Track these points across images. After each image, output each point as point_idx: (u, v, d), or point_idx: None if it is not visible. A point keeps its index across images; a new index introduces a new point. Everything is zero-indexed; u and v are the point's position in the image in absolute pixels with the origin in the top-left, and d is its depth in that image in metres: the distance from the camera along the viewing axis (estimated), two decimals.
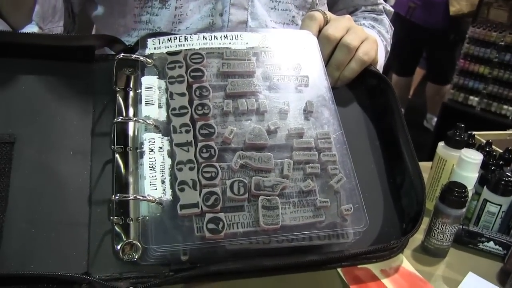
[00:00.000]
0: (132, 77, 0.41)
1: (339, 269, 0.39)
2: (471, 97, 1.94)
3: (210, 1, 0.50)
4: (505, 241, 0.47)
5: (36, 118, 0.38)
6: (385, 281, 0.39)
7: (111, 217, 0.35)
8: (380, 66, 0.57)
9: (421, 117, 2.51)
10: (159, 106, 0.38)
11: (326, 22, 0.47)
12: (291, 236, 0.35)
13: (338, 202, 0.37)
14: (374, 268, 0.40)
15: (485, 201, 0.50)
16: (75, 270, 0.33)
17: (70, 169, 0.37)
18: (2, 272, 0.32)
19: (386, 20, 0.65)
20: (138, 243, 0.34)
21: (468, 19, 1.91)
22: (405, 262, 0.43)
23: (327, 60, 0.45)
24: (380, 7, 0.65)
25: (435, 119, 2.29)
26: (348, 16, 0.48)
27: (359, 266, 0.40)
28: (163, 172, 0.35)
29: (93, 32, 0.58)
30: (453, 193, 0.45)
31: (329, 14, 0.47)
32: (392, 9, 0.68)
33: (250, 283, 0.37)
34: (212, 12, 0.50)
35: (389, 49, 0.64)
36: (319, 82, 0.42)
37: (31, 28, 0.46)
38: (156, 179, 0.35)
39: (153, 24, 0.51)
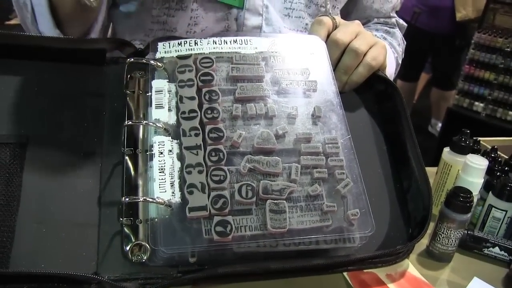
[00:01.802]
0: (142, 80, 0.42)
1: (345, 273, 0.40)
2: (476, 103, 1.93)
3: (225, 5, 0.51)
4: (510, 247, 0.47)
5: (48, 120, 0.39)
6: (391, 285, 0.39)
7: (121, 219, 0.36)
8: (389, 77, 0.57)
9: (426, 122, 2.50)
10: (169, 110, 0.39)
11: (335, 26, 0.47)
12: (298, 240, 0.35)
13: (345, 207, 0.37)
14: (380, 272, 0.41)
15: (490, 206, 0.50)
16: (85, 270, 0.34)
17: (80, 170, 0.38)
18: (13, 270, 0.32)
19: (398, 33, 0.65)
20: (147, 245, 0.35)
21: (474, 25, 1.90)
22: (411, 267, 0.43)
23: (335, 65, 0.46)
24: (393, 20, 0.65)
25: (440, 124, 2.28)
26: (357, 21, 0.48)
27: (365, 271, 0.40)
28: (172, 175, 0.36)
29: (109, 33, 0.59)
30: (459, 198, 0.45)
31: (338, 19, 0.48)
32: (405, 24, 0.68)
33: (257, 286, 0.37)
34: (227, 16, 0.51)
35: (400, 61, 0.64)
36: (327, 87, 0.43)
37: None
38: (165, 181, 0.35)
39: (170, 25, 0.51)
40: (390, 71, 0.58)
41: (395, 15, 0.66)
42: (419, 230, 0.39)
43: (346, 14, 0.63)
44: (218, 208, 0.34)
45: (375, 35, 0.62)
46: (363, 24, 0.65)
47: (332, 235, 0.36)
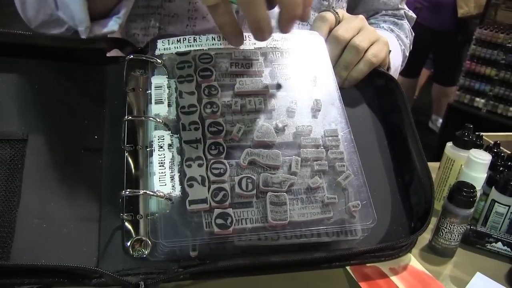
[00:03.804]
0: (142, 78, 0.42)
1: (347, 267, 0.39)
2: (477, 99, 1.92)
3: None
4: None
5: (48, 117, 0.39)
6: (394, 278, 0.39)
7: (121, 214, 0.36)
8: (395, 70, 0.56)
9: (426, 118, 2.50)
10: (169, 105, 0.39)
11: (338, 21, 0.46)
12: (299, 232, 0.35)
13: (346, 199, 0.37)
14: (383, 266, 0.40)
15: (493, 201, 0.50)
16: (86, 265, 0.33)
17: (81, 166, 0.38)
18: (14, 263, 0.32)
19: (406, 25, 0.64)
20: (148, 240, 0.35)
21: (476, 21, 1.90)
22: (413, 261, 0.43)
23: (336, 61, 0.46)
24: (402, 12, 0.65)
25: (441, 120, 2.28)
26: (361, 16, 0.48)
27: (367, 264, 0.40)
28: (172, 169, 0.36)
29: None
30: (462, 193, 0.44)
31: (341, 13, 0.47)
32: (414, 15, 0.67)
33: (258, 280, 0.37)
34: None
35: (407, 54, 0.64)
36: (326, 82, 0.43)
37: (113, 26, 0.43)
38: (165, 175, 0.35)
39: (168, 10, 0.49)
40: (396, 64, 0.57)
41: (404, 6, 0.66)
42: (421, 224, 0.39)
43: (354, 6, 0.62)
44: (219, 201, 0.34)
45: (382, 26, 0.61)
46: (372, 15, 0.64)
47: (333, 227, 0.36)
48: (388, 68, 0.52)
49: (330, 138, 0.39)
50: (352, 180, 0.37)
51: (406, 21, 0.65)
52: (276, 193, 0.35)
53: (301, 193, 0.36)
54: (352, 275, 0.39)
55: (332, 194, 0.36)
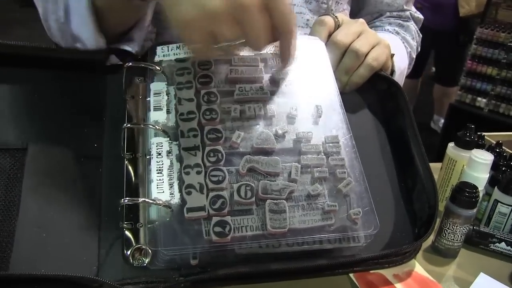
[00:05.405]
0: (142, 85, 0.42)
1: (351, 275, 0.39)
2: (479, 99, 1.92)
3: None
4: None
5: (48, 126, 0.39)
6: (398, 285, 0.39)
7: (121, 222, 0.36)
8: (401, 73, 0.56)
9: (428, 119, 2.48)
10: (168, 112, 0.39)
11: (337, 26, 0.46)
12: (301, 240, 0.35)
13: (348, 206, 0.36)
14: (386, 273, 0.40)
15: (496, 201, 0.50)
16: (85, 274, 0.33)
17: (80, 175, 0.38)
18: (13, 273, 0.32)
19: (412, 26, 0.64)
20: (148, 248, 0.35)
21: (477, 20, 1.89)
22: (418, 267, 0.42)
23: (336, 66, 0.45)
24: (407, 13, 0.64)
25: (442, 120, 2.27)
26: (361, 20, 0.47)
27: (371, 272, 0.39)
28: (171, 176, 0.35)
29: None
30: (464, 193, 0.44)
31: (341, 17, 0.47)
32: (421, 16, 0.66)
33: None
34: None
35: (414, 56, 0.63)
36: (327, 87, 0.42)
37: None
38: (163, 182, 0.35)
39: None
40: (402, 67, 0.56)
41: (410, 7, 0.65)
42: (425, 229, 0.39)
43: (358, 10, 0.62)
44: (217, 209, 0.34)
45: (388, 29, 0.61)
46: (376, 18, 0.64)
47: (335, 234, 0.35)
48: (392, 72, 0.51)
49: (331, 144, 0.39)
50: (353, 187, 0.37)
51: (412, 22, 0.64)
52: (275, 201, 0.35)
53: (302, 200, 0.36)
54: (356, 282, 0.38)
55: (333, 201, 0.36)
